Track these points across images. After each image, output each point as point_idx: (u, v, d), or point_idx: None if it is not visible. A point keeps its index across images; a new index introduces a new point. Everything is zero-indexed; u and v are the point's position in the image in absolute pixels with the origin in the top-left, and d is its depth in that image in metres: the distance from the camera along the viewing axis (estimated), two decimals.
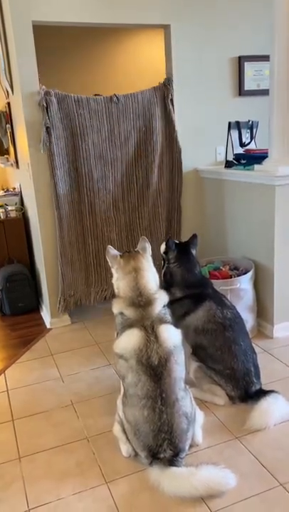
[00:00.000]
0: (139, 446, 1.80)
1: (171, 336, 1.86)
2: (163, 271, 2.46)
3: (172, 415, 1.75)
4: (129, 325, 1.87)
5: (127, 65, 4.13)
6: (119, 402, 1.94)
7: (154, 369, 1.77)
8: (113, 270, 2.02)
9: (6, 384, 2.57)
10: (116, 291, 1.99)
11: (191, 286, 2.39)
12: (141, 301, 1.89)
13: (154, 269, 2.02)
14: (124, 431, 1.88)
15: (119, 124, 3.14)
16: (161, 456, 1.73)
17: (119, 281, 1.97)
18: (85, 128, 3.03)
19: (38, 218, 3.09)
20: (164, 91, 3.20)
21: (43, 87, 2.88)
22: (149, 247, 2.02)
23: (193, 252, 2.49)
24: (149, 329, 1.83)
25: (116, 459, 1.91)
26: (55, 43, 3.87)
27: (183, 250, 2.46)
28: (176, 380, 1.81)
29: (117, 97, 3.09)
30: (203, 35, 3.24)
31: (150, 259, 2.03)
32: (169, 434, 1.74)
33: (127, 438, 1.87)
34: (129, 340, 1.82)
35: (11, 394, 2.46)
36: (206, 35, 3.25)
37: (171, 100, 3.22)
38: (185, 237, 3.55)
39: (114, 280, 2.01)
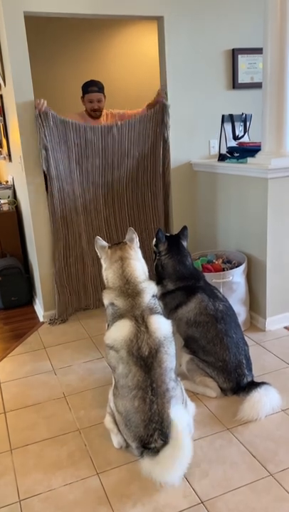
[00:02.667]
0: (130, 437, 1.80)
1: (162, 326, 1.86)
2: (154, 263, 2.46)
3: (163, 405, 1.76)
4: (119, 315, 1.87)
5: (122, 57, 4.10)
6: (110, 393, 1.95)
7: (145, 360, 1.78)
8: (102, 261, 2.04)
9: None
10: (105, 281, 2.01)
11: (182, 278, 2.39)
12: (129, 290, 1.90)
13: (142, 260, 2.03)
14: (115, 422, 1.88)
15: (114, 153, 3.21)
16: (152, 446, 1.74)
17: (107, 271, 1.99)
18: (80, 156, 3.11)
19: (30, 211, 3.08)
20: (161, 116, 3.19)
21: (44, 103, 2.85)
22: (136, 237, 2.03)
23: (184, 243, 2.49)
24: (140, 319, 1.83)
25: (107, 450, 1.92)
26: (48, 35, 3.84)
27: (173, 242, 2.46)
28: (167, 371, 1.81)
29: (116, 127, 3.09)
30: (196, 28, 3.22)
31: (138, 250, 2.04)
32: (159, 424, 1.75)
33: (118, 429, 1.88)
34: (120, 331, 1.83)
35: (3, 387, 2.46)
36: (200, 27, 3.23)
37: (166, 125, 3.23)
38: (177, 229, 3.56)
39: (103, 270, 2.03)
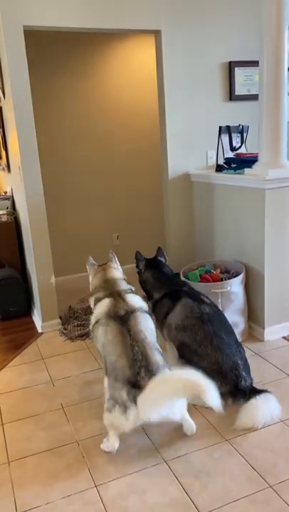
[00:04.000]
0: (120, 387, 1.83)
1: (136, 299, 2.16)
2: (139, 282, 2.72)
3: (144, 347, 1.91)
4: (100, 300, 2.19)
5: (120, 71, 4.15)
6: (104, 383, 1.99)
7: (121, 317, 2.03)
8: (90, 276, 2.44)
9: None
10: (91, 290, 2.36)
11: (164, 285, 2.60)
12: (109, 284, 2.27)
13: (120, 269, 2.44)
14: (112, 411, 1.86)
15: None
16: (141, 383, 1.80)
17: (94, 279, 2.38)
18: None
19: (29, 222, 3.09)
20: None
21: None
22: (114, 257, 2.48)
23: (161, 258, 2.76)
24: (117, 296, 2.15)
25: (106, 462, 1.90)
26: (46, 50, 3.89)
27: (151, 259, 2.78)
28: (143, 326, 2.00)
29: None
30: (193, 41, 3.27)
31: (117, 264, 2.47)
32: (144, 361, 1.86)
33: (114, 428, 1.89)
34: (101, 307, 2.13)
35: (1, 398, 2.44)
36: (197, 40, 3.28)
37: None
38: (173, 241, 3.57)
39: (90, 281, 2.42)
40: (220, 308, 2.74)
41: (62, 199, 4.23)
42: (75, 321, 3.24)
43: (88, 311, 3.35)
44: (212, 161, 3.51)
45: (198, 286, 2.78)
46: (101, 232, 4.44)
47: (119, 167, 4.38)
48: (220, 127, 3.21)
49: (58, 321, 3.30)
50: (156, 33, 3.22)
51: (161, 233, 4.63)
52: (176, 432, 2.05)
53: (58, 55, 3.96)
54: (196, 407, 2.21)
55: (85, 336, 3.09)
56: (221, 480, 1.77)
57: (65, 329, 3.19)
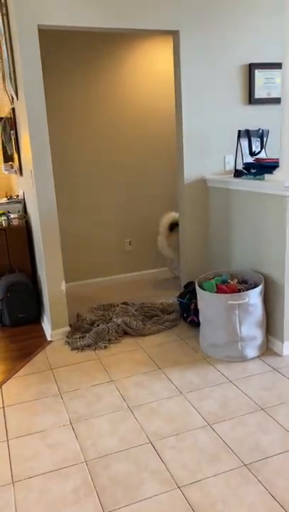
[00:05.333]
0: None
1: None
2: None
3: None
4: None
5: (135, 73, 4.06)
6: None
7: None
8: None
9: (2, 400, 2.45)
10: None
11: None
12: None
13: None
14: None
15: None
16: None
17: None
18: None
19: (40, 227, 3.00)
20: None
21: None
22: None
23: None
24: None
25: (114, 486, 1.79)
26: (60, 51, 3.81)
27: None
28: None
29: None
30: (213, 42, 3.16)
31: None
32: None
33: None
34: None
35: (7, 411, 2.34)
36: (216, 42, 3.17)
37: None
38: (188, 248, 3.45)
39: None
40: (237, 320, 2.62)
41: (73, 203, 4.14)
42: (78, 333, 3.13)
43: (96, 322, 3.25)
44: (230, 166, 3.39)
45: (215, 297, 2.66)
46: (113, 237, 4.34)
47: (131, 171, 4.28)
48: (239, 131, 3.09)
49: (68, 329, 3.20)
50: (174, 34, 3.12)
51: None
52: (190, 452, 1.93)
53: (69, 56, 3.89)
54: (207, 421, 2.08)
55: (87, 347, 2.97)
56: (238, 511, 1.64)
57: (68, 338, 3.09)
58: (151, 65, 4.13)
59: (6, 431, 2.18)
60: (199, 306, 2.83)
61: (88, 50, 3.91)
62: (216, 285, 2.77)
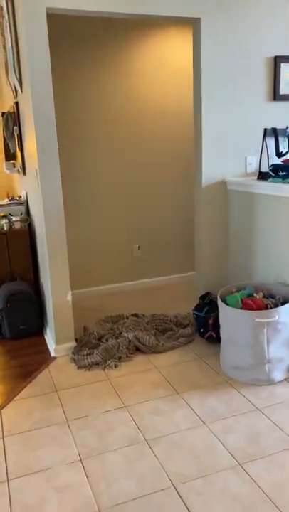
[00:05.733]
0: None
1: None
2: None
3: None
4: None
5: (149, 66, 3.79)
6: None
7: None
8: None
9: (2, 428, 2.17)
10: None
11: None
12: None
13: None
14: None
15: None
16: None
17: None
18: None
19: (45, 232, 2.72)
20: None
21: None
22: None
23: None
24: None
25: None
26: (68, 39, 3.54)
27: None
28: None
29: None
30: (235, 32, 2.89)
31: None
32: None
33: None
34: None
35: (7, 443, 2.06)
36: (239, 31, 2.90)
37: None
38: (205, 257, 3.17)
39: None
40: (265, 340, 2.34)
41: (79, 205, 3.86)
42: (85, 349, 2.84)
43: (104, 336, 2.97)
44: (251, 168, 3.11)
45: (240, 314, 2.38)
46: (120, 242, 4.06)
47: (142, 171, 4.00)
48: (265, 129, 2.82)
49: (74, 344, 2.92)
50: (195, 22, 2.84)
51: (187, 245, 4.25)
52: (221, 501, 1.65)
53: (80, 46, 3.61)
54: (238, 461, 1.80)
55: (96, 365, 2.70)
56: None
57: (74, 354, 2.81)
58: (169, 55, 3.86)
59: (6, 468, 1.90)
60: (221, 323, 2.56)
61: (97, 42, 3.63)
62: (241, 300, 2.50)
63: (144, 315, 3.33)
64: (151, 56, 3.81)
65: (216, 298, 3.07)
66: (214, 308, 2.92)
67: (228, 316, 2.46)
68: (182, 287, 4.10)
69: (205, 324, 2.91)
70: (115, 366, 2.69)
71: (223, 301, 2.56)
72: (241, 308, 2.45)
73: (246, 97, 3.02)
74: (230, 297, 2.54)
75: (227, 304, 2.51)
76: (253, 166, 3.12)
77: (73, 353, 2.83)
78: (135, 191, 4.02)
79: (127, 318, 3.25)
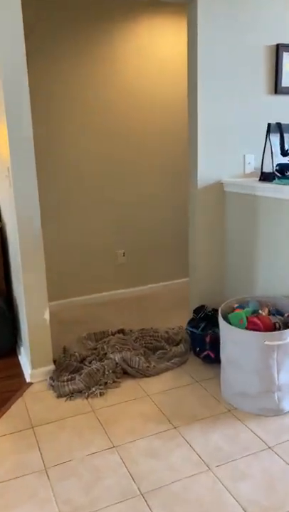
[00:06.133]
0: None
1: None
2: None
3: None
4: None
5: (139, 52, 3.45)
6: None
7: None
8: None
9: None
10: None
11: None
12: None
13: None
14: None
15: None
16: None
17: None
18: None
19: (18, 238, 2.35)
20: None
21: None
22: None
23: None
24: None
25: None
26: (46, 22, 3.16)
27: None
28: None
29: None
30: (234, 17, 2.59)
31: None
32: None
33: None
34: None
35: None
36: (238, 16, 2.60)
37: None
38: (200, 267, 2.86)
39: None
40: (275, 365, 2.04)
41: (57, 206, 3.49)
42: (65, 374, 2.48)
43: (87, 358, 2.61)
44: (250, 168, 2.82)
45: (246, 336, 2.07)
46: (103, 248, 3.71)
47: (127, 168, 3.66)
48: (269, 125, 2.53)
49: (52, 367, 2.55)
50: (191, 4, 2.52)
51: (178, 251, 3.93)
52: None
53: (62, 26, 3.23)
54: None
55: (78, 393, 2.34)
56: None
57: (53, 380, 2.44)
58: (156, 46, 3.52)
59: None
60: (222, 344, 2.24)
61: (80, 28, 3.26)
62: (246, 318, 2.19)
63: (131, 330, 2.99)
64: (138, 44, 3.47)
65: (212, 311, 2.76)
66: (211, 324, 2.62)
67: (232, 337, 2.15)
68: (172, 296, 3.78)
69: (201, 343, 2.59)
70: (101, 394, 2.34)
71: (225, 319, 2.24)
72: (246, 328, 2.14)
73: (244, 89, 2.72)
74: (233, 315, 2.23)
75: (230, 323, 2.20)
76: (252, 165, 2.82)
77: (52, 378, 2.46)
78: (120, 190, 3.67)
79: (113, 335, 2.90)
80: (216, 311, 2.77)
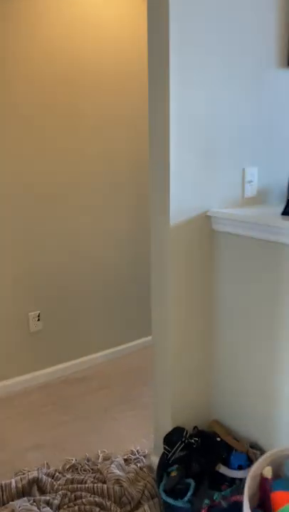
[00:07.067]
0: None
1: None
2: None
3: None
4: None
5: (63, 20, 2.18)
6: None
7: None
8: None
9: None
10: None
11: None
12: None
13: None
14: None
15: None
16: None
17: None
18: None
19: None
20: None
21: None
22: None
23: None
24: None
25: None
26: None
27: None
28: None
29: None
30: None
31: None
32: None
33: None
34: None
35: None
36: None
37: None
38: (176, 361, 1.64)
39: None
40: None
41: None
42: None
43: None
44: (252, 190, 1.68)
45: None
46: (6, 309, 2.35)
47: (49, 183, 2.36)
48: None
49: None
50: None
51: (126, 300, 2.70)
52: None
53: None
54: None
55: None
56: None
57: None
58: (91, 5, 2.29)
59: None
60: None
61: None
62: None
63: (50, 473, 1.67)
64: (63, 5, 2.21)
65: (197, 437, 1.57)
66: (207, 475, 1.41)
67: None
68: (119, 375, 2.52)
69: None
70: None
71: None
72: None
73: (243, 63, 1.57)
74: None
75: None
76: (254, 185, 1.69)
77: None
78: (33, 219, 2.35)
79: (19, 489, 1.56)
80: (204, 436, 1.58)
